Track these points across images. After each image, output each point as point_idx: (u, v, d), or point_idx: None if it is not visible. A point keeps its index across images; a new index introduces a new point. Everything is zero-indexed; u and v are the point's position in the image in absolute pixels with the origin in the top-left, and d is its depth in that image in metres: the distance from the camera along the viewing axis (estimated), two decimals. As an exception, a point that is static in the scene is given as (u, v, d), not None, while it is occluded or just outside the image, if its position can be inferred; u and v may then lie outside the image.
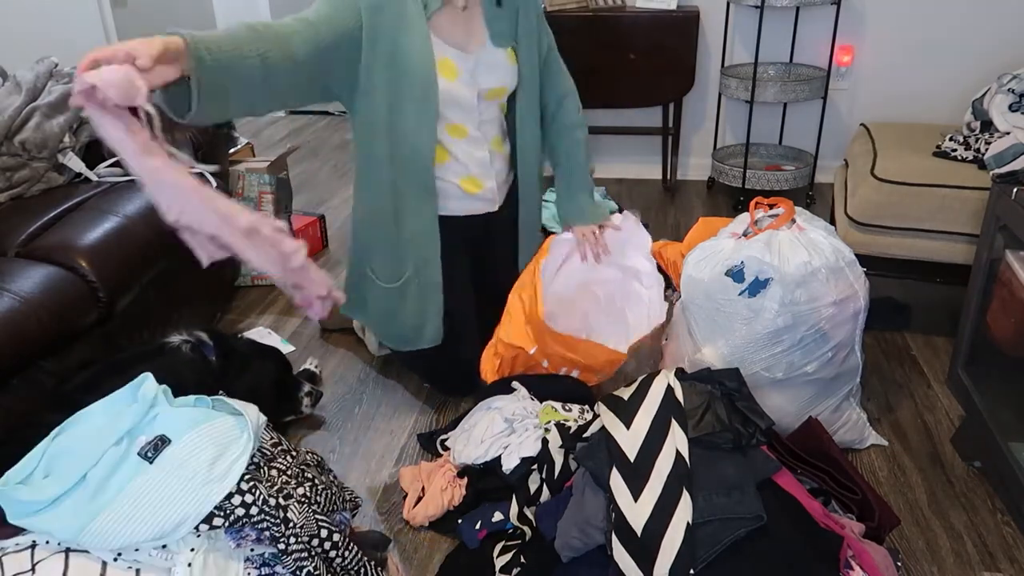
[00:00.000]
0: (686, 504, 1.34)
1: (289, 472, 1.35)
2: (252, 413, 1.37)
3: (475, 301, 2.03)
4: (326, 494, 1.37)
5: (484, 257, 2.05)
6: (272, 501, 1.25)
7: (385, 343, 2.13)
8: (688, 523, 1.32)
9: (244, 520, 1.22)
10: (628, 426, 1.48)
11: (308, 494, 1.33)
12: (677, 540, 1.31)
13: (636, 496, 1.37)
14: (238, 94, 1.45)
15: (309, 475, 1.38)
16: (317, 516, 1.30)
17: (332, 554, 1.30)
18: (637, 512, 1.36)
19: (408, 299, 1.98)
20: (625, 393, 1.57)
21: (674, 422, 1.46)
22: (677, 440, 1.43)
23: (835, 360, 1.82)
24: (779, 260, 1.76)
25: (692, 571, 1.28)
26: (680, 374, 1.59)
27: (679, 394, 1.52)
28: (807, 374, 1.81)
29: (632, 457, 1.42)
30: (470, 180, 1.91)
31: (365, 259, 2.01)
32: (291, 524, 1.25)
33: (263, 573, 1.26)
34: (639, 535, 1.33)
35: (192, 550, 1.21)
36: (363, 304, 2.09)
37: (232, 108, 1.49)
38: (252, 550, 1.26)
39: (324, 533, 1.29)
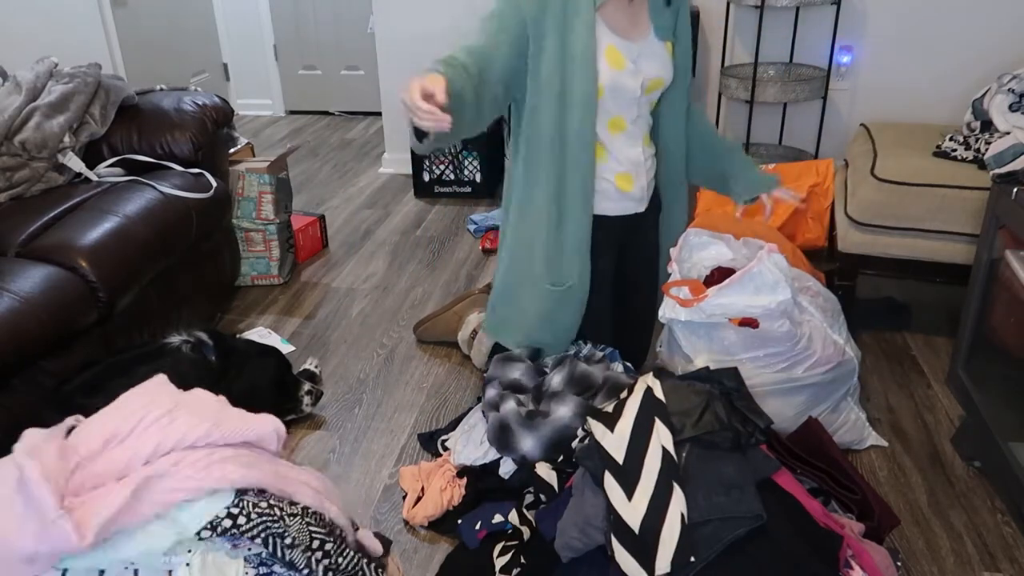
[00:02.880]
0: (679, 497, 1.36)
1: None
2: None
3: (611, 296, 2.05)
4: (316, 516, 1.36)
5: (626, 255, 2.06)
6: (264, 504, 1.24)
7: (532, 344, 2.09)
8: (682, 514, 1.34)
9: (233, 530, 1.22)
10: (612, 430, 1.50)
11: (301, 512, 1.32)
12: (675, 533, 1.32)
13: (630, 495, 1.39)
14: (459, 127, 1.61)
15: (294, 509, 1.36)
16: (311, 527, 1.29)
17: (325, 563, 1.29)
18: (633, 510, 1.37)
19: (568, 303, 1.98)
20: (610, 406, 1.60)
21: (657, 420, 1.48)
22: (662, 437, 1.45)
23: (827, 365, 1.82)
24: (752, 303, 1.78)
25: (692, 559, 1.30)
26: (664, 374, 1.62)
27: (659, 392, 1.54)
28: (799, 379, 1.82)
29: (620, 459, 1.44)
30: (624, 177, 1.92)
31: (529, 263, 1.97)
32: (288, 528, 1.24)
33: (261, 572, 1.26)
34: (637, 533, 1.34)
35: (189, 551, 1.20)
36: (519, 314, 2.04)
37: (451, 138, 1.64)
38: (249, 550, 1.26)
39: (316, 544, 1.28)
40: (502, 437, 1.75)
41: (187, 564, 1.19)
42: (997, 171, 2.09)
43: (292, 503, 1.31)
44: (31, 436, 1.26)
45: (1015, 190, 1.79)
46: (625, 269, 2.04)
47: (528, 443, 1.71)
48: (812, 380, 1.83)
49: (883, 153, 2.38)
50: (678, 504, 1.35)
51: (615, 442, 1.47)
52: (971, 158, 2.28)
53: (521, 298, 2.04)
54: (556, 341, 2.02)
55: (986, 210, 1.96)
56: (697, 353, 1.85)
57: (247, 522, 1.22)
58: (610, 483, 1.42)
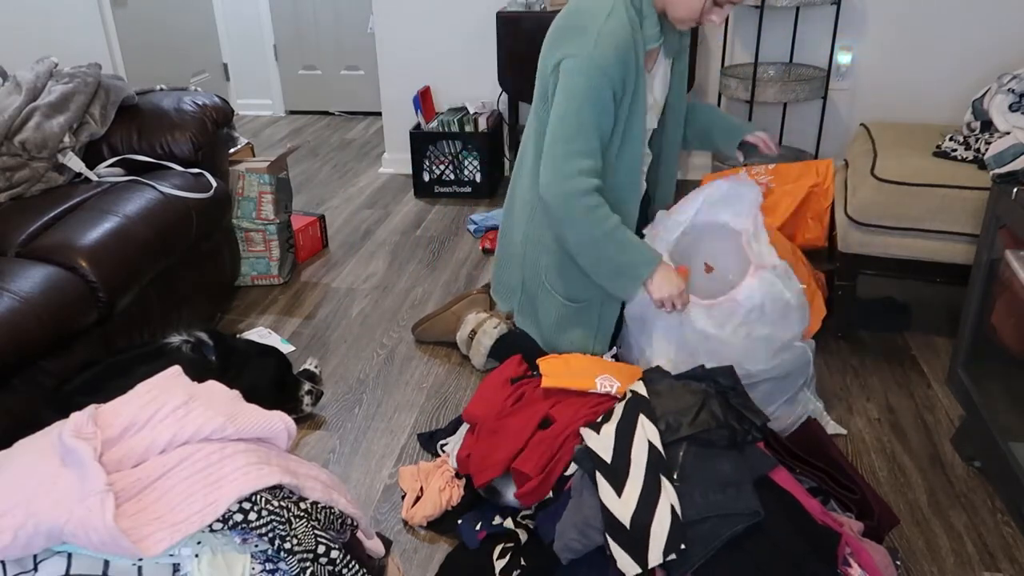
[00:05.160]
0: (668, 491, 1.37)
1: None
2: None
3: None
4: (325, 512, 1.36)
5: None
6: (275, 502, 1.24)
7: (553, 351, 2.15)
8: (673, 507, 1.35)
9: (243, 525, 1.22)
10: (598, 432, 1.52)
11: (309, 509, 1.32)
12: (665, 525, 1.34)
13: (619, 492, 1.40)
14: None
15: (304, 506, 1.36)
16: (316, 532, 1.29)
17: (330, 569, 1.29)
18: (623, 506, 1.38)
19: (583, 317, 2.05)
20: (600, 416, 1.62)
21: (641, 416, 1.50)
22: (648, 432, 1.47)
23: (781, 358, 1.85)
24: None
25: (683, 546, 1.31)
26: (658, 374, 1.62)
27: (643, 391, 1.56)
28: (754, 375, 1.84)
29: (608, 458, 1.46)
30: None
31: (546, 275, 2.06)
32: (294, 532, 1.24)
33: (267, 568, 1.26)
34: (628, 527, 1.35)
35: (199, 543, 1.20)
36: (535, 316, 2.14)
37: None
38: (256, 546, 1.26)
39: (321, 549, 1.28)
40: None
41: (195, 556, 1.19)
42: (997, 171, 2.08)
43: (301, 500, 1.31)
44: (73, 417, 1.28)
45: (1015, 190, 1.79)
46: None
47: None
48: (768, 375, 1.84)
49: (883, 153, 2.38)
50: (668, 497, 1.36)
51: (602, 442, 1.49)
52: (971, 158, 2.28)
53: (538, 305, 2.07)
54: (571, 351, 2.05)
55: (986, 210, 1.96)
56: (654, 351, 1.89)
57: (258, 519, 1.22)
58: (601, 482, 1.43)
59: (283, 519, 1.24)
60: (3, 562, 1.15)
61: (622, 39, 1.74)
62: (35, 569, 1.15)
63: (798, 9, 3.35)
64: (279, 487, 1.30)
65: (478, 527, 1.69)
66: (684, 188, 2.14)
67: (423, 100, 3.65)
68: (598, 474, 1.44)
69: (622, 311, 2.04)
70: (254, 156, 2.98)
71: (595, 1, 1.79)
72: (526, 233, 2.05)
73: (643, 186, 2.02)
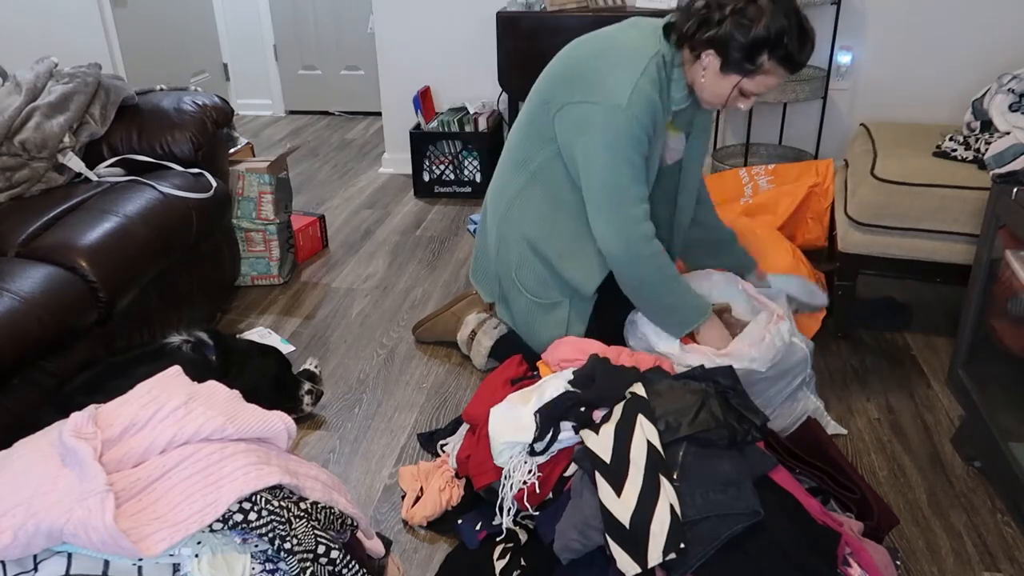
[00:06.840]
0: (667, 490, 1.37)
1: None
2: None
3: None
4: (325, 512, 1.36)
5: None
6: (275, 502, 1.24)
7: (529, 345, 2.18)
8: (672, 505, 1.35)
9: (243, 525, 1.22)
10: (597, 432, 1.52)
11: (309, 509, 1.32)
12: (664, 525, 1.34)
13: (619, 492, 1.41)
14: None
15: (303, 506, 1.36)
16: (316, 532, 1.29)
17: (330, 569, 1.29)
18: (622, 506, 1.38)
19: (553, 315, 2.08)
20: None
21: (640, 416, 1.50)
22: (646, 431, 1.47)
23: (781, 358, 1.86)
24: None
25: (682, 545, 1.31)
26: (657, 374, 1.62)
27: (641, 391, 1.56)
28: (751, 371, 1.84)
29: (608, 458, 1.46)
30: None
31: (516, 272, 2.11)
32: (294, 532, 1.24)
33: (267, 568, 1.26)
34: (627, 527, 1.36)
35: (199, 543, 1.20)
36: (508, 309, 2.20)
37: None
38: (256, 546, 1.26)
39: (321, 549, 1.28)
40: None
41: (195, 556, 1.19)
42: (997, 171, 2.09)
43: (301, 500, 1.31)
44: (73, 417, 1.28)
45: (1015, 190, 1.79)
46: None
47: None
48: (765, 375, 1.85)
49: (883, 153, 2.38)
50: (667, 496, 1.36)
51: (601, 443, 1.49)
52: (971, 158, 2.28)
53: (510, 299, 2.09)
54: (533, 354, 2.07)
55: (986, 210, 1.96)
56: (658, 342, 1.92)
57: (258, 519, 1.22)
58: (600, 482, 1.43)
59: (283, 519, 1.24)
60: (3, 562, 1.15)
61: (654, 100, 1.79)
62: (35, 569, 1.15)
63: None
64: (279, 487, 1.30)
65: (478, 527, 1.69)
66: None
67: (423, 100, 3.65)
68: (597, 474, 1.44)
69: (615, 315, 2.04)
70: (254, 156, 2.98)
71: (630, 53, 1.81)
72: (499, 232, 2.10)
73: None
